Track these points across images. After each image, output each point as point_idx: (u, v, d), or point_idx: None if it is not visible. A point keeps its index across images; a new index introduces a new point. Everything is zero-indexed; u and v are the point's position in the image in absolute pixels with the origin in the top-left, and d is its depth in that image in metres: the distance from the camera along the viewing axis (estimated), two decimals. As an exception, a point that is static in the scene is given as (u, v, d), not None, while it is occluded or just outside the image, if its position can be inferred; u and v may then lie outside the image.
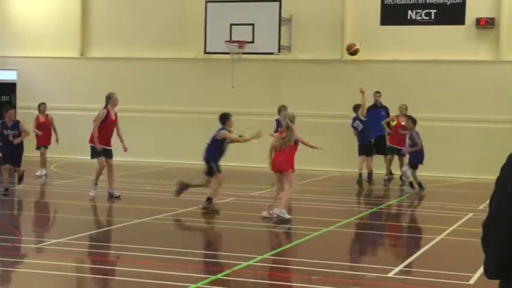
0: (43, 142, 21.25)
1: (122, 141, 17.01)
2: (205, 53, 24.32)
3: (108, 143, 16.82)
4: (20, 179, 17.78)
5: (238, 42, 23.31)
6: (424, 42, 23.80)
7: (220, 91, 25.04)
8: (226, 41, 23.34)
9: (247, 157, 23.67)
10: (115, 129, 17.01)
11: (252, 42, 23.31)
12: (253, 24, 23.34)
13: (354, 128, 20.13)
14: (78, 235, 12.09)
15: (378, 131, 20.96)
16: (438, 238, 12.97)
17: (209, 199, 15.14)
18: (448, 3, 23.05)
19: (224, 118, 15.30)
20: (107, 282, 9.42)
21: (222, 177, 15.26)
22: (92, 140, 16.67)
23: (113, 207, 15.41)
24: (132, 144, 25.76)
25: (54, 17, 27.27)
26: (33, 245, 11.40)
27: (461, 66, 23.49)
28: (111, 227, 13.50)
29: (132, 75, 26.31)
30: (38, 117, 21.42)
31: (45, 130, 21.22)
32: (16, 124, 17.41)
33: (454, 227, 14.21)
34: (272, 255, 10.87)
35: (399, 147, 19.92)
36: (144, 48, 26.31)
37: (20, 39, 27.49)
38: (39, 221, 14.77)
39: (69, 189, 18.55)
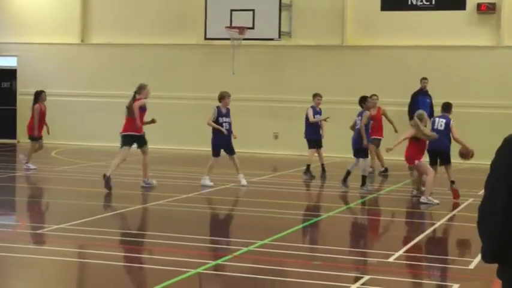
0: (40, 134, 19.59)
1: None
2: (206, 38, 24.31)
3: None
4: None
5: (238, 28, 23.29)
6: (424, 28, 23.77)
7: (220, 77, 25.03)
8: (227, 27, 23.31)
9: (248, 143, 23.70)
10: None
11: (253, 28, 23.29)
12: (253, 10, 23.31)
13: None
14: (80, 221, 12.12)
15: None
16: (438, 223, 13.03)
17: None
18: (449, -12, 23.02)
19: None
20: (107, 268, 9.45)
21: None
22: (127, 129, 15.95)
23: (116, 193, 15.41)
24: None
25: (54, 3, 27.24)
26: (35, 231, 11.43)
27: (461, 52, 23.47)
28: (113, 213, 13.53)
29: (132, 61, 26.30)
30: (39, 105, 19.43)
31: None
32: None
33: (454, 212, 14.28)
34: (272, 241, 10.90)
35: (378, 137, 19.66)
36: (144, 34, 26.29)
37: (20, 26, 27.46)
38: (41, 206, 14.79)
39: (70, 175, 18.58)
